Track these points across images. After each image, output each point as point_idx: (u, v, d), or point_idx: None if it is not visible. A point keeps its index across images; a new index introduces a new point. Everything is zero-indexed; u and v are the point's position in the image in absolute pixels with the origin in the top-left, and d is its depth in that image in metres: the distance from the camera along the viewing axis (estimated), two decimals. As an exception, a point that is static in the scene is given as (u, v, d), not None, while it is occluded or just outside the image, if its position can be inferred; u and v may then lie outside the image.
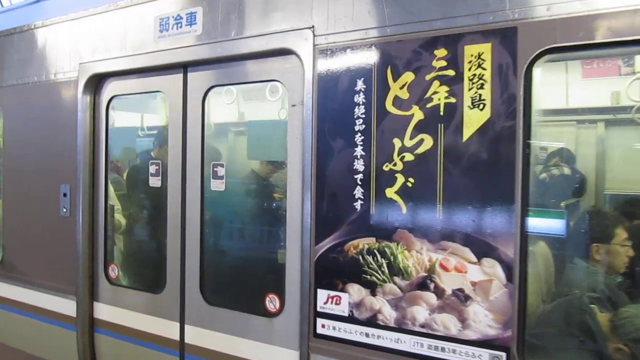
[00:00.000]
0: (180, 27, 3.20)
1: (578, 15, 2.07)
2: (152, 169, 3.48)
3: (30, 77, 4.01)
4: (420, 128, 2.40)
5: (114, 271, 3.66)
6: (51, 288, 3.86)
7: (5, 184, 4.29)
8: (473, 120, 2.27)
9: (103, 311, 3.65)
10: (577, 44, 2.08)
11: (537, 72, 2.19)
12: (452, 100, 2.32)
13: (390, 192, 2.47)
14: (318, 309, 2.68)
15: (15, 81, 4.12)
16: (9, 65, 4.18)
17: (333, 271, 2.62)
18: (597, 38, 2.04)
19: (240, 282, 3.36)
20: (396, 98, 2.46)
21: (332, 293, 2.64)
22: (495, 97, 2.22)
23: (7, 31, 4.17)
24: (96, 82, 3.66)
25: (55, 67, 3.86)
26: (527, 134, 2.17)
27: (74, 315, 3.70)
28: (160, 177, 3.44)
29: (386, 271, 2.48)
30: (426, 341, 2.39)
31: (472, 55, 2.28)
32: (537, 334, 2.32)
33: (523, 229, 2.18)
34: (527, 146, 2.18)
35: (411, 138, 2.42)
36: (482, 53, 2.25)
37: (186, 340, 3.25)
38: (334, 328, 2.63)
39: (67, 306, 3.75)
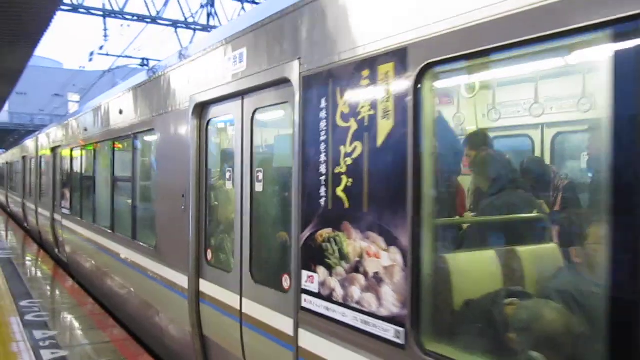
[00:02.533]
0: (236, 63, 4.11)
1: (447, 33, 2.36)
2: (227, 174, 4.46)
3: (168, 107, 5.38)
4: (355, 137, 2.87)
5: (209, 255, 4.72)
6: (178, 267, 5.10)
7: (158, 186, 5.78)
8: (384, 128, 2.68)
9: (203, 285, 4.74)
10: (446, 57, 2.37)
11: (427, 84, 2.51)
12: (372, 112, 2.75)
13: (339, 191, 2.98)
14: (302, 287, 3.29)
15: (160, 112, 5.56)
16: (157, 99, 5.65)
17: (310, 255, 3.21)
18: (464, 51, 2.31)
19: (270, 265, 4.10)
20: (342, 113, 2.97)
21: (309, 273, 3.23)
22: (396, 107, 2.60)
23: (149, 80, 5.83)
24: (200, 110, 4.79)
25: (179, 100, 5.13)
26: (417, 140, 2.51)
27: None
28: (231, 181, 4.38)
29: (337, 256, 2.99)
30: (359, 316, 2.83)
31: (382, 73, 2.69)
32: (433, 313, 2.58)
33: (414, 220, 2.51)
34: (417, 149, 2.51)
35: (350, 145, 2.90)
36: (388, 71, 2.65)
37: (243, 310, 4.11)
38: (310, 302, 3.22)
39: (184, 281, 4.93)
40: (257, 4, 17.78)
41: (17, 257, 12.11)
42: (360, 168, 2.83)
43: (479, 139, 3.94)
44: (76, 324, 6.85)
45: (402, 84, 2.56)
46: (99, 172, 8.95)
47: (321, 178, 3.12)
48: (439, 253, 2.59)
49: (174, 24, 18.21)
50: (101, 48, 18.49)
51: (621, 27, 1.72)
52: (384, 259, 2.67)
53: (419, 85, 2.49)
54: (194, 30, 18.46)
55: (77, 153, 10.36)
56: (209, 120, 4.77)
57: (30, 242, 15.43)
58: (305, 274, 3.27)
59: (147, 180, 6.62)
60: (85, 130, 9.53)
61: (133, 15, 17.83)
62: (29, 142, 18.08)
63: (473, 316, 2.75)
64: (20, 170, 19.52)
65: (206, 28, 18.18)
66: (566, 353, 2.14)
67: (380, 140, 2.70)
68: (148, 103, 6.16)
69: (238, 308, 4.18)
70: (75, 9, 16.80)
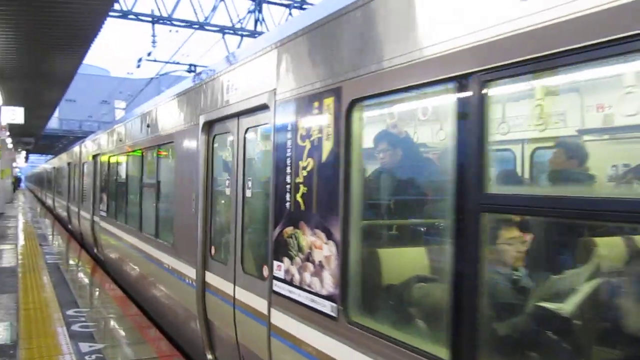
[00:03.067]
0: (233, 90, 4.94)
1: (372, 75, 3.10)
2: (226, 182, 5.29)
3: (183, 125, 6.26)
4: (309, 154, 3.63)
5: (213, 250, 5.54)
6: (189, 261, 5.94)
7: (175, 191, 6.70)
8: (326, 148, 3.43)
9: (208, 277, 5.56)
10: (364, 95, 3.12)
11: (355, 114, 3.25)
12: (319, 135, 3.51)
13: (298, 197, 3.74)
14: (273, 274, 4.06)
15: (178, 128, 6.45)
16: (176, 116, 6.56)
17: (279, 248, 3.98)
18: (381, 90, 3.05)
19: (255, 258, 4.88)
20: (300, 135, 3.73)
21: (278, 263, 3.99)
22: (335, 132, 3.35)
23: (168, 99, 6.89)
24: (207, 127, 5.63)
25: (192, 118, 5.99)
26: (348, 159, 3.25)
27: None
28: (229, 188, 5.20)
29: (296, 248, 3.74)
30: (309, 296, 3.58)
31: (326, 105, 3.44)
32: (357, 293, 3.30)
33: (345, 218, 3.25)
34: (347, 166, 3.25)
35: (305, 160, 3.66)
36: (329, 104, 3.40)
37: (236, 296, 4.91)
38: (279, 287, 3.98)
39: (193, 273, 5.75)
40: (303, 9, 18.28)
41: (64, 263, 12.72)
42: (311, 179, 3.59)
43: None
44: (122, 337, 6.86)
45: (338, 114, 3.31)
46: (130, 178, 10.13)
47: (287, 186, 3.89)
48: (363, 246, 3.31)
49: (222, 30, 18.71)
50: (149, 54, 19.11)
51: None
52: (325, 250, 3.42)
53: (348, 115, 3.24)
54: (241, 36, 18.81)
55: (113, 160, 11.74)
56: (215, 136, 5.62)
57: (75, 245, 16.48)
58: (275, 263, 4.04)
59: (167, 186, 7.55)
60: (120, 140, 10.77)
61: (181, 21, 18.52)
62: (74, 149, 19.43)
63: (388, 296, 3.47)
64: (66, 176, 21.03)
65: (253, 34, 18.55)
66: (442, 321, 2.83)
67: (324, 157, 3.46)
68: (169, 119, 7.16)
69: (232, 294, 4.98)
70: (124, 14, 17.57)
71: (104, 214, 12.15)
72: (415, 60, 2.74)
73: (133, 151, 9.54)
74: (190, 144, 6.16)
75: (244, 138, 4.92)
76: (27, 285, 9.68)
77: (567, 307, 2.45)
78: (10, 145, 32.70)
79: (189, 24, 18.11)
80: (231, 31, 18.64)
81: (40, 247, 14.90)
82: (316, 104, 3.56)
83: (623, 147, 2.87)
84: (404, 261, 3.49)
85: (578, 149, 2.96)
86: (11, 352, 6.08)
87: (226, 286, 5.13)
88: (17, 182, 57.24)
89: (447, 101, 2.69)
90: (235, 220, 4.98)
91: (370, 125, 3.45)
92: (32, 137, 37.93)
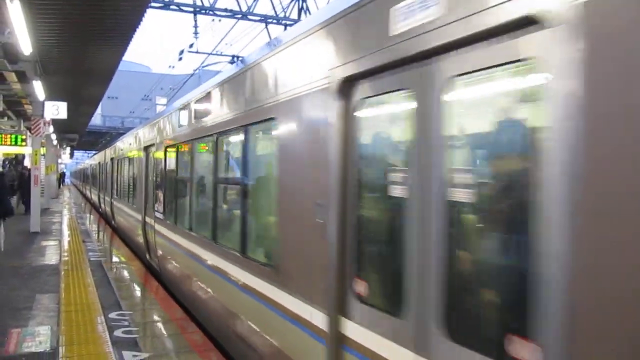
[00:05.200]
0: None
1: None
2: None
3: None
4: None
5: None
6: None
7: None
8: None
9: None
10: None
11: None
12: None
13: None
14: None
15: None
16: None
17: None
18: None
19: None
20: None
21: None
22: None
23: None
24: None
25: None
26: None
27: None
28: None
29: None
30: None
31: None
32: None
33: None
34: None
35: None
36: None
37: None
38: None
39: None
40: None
41: (107, 260, 12.30)
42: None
43: None
44: (169, 345, 6.26)
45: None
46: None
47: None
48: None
49: (265, 20, 18.20)
50: (191, 46, 18.60)
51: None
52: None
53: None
54: (285, 25, 18.19)
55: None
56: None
57: (118, 242, 16.30)
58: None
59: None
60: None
61: (223, 10, 17.99)
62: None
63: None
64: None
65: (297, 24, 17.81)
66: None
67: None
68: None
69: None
70: (166, 5, 17.28)
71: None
72: None
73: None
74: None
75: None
76: (69, 285, 9.36)
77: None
78: (55, 142, 33.24)
79: (232, 14, 17.65)
80: (274, 21, 18.08)
81: (83, 244, 14.74)
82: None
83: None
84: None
85: None
86: (50, 362, 5.68)
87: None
88: (61, 177, 58.53)
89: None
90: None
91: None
92: (76, 133, 38.61)
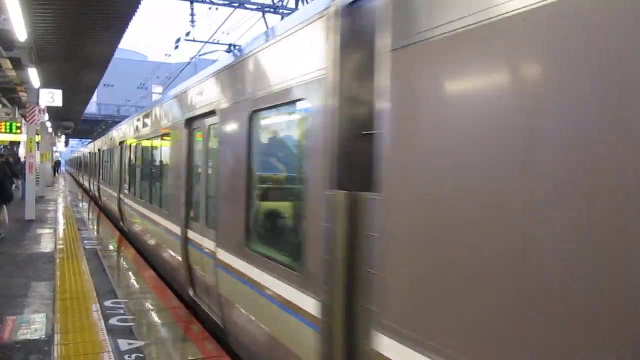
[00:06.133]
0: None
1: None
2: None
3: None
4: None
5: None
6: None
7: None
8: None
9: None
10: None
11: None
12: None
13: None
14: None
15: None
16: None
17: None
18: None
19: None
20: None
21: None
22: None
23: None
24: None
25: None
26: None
27: None
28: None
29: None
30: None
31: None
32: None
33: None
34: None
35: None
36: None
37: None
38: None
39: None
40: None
41: (103, 249, 12.26)
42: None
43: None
44: (164, 333, 6.27)
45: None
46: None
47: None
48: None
49: (262, 9, 18.05)
50: (188, 35, 18.50)
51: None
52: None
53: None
54: (282, 15, 18.09)
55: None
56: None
57: (114, 231, 16.29)
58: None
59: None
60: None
61: None
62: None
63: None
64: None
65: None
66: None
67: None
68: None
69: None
70: None
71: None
72: None
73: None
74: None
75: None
76: (65, 273, 9.35)
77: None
78: (50, 130, 33.08)
79: (229, 2, 17.49)
80: (272, 10, 17.91)
81: (79, 232, 14.72)
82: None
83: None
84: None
85: None
86: (46, 349, 5.66)
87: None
88: (57, 166, 58.32)
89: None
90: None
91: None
92: (72, 121, 38.38)
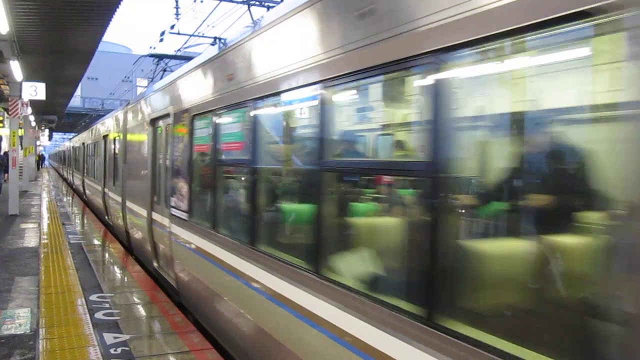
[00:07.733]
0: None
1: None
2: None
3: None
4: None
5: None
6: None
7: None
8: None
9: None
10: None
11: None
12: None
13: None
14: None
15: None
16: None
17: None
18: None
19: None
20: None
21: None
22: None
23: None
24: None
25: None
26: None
27: None
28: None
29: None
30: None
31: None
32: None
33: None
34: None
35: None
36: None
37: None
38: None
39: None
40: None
41: (88, 243, 12.28)
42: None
43: None
44: (150, 327, 6.34)
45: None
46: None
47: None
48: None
49: (247, 1, 17.87)
50: (172, 27, 18.22)
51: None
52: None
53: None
54: (267, 7, 17.98)
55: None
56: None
57: (99, 226, 16.16)
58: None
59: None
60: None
61: None
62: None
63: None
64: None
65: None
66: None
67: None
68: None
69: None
70: None
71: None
72: None
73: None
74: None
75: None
76: (49, 267, 9.28)
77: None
78: (33, 123, 32.68)
79: (214, -5, 17.27)
80: (257, 3, 17.75)
81: (63, 227, 14.59)
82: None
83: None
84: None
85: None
86: (30, 343, 5.63)
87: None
88: (41, 160, 57.67)
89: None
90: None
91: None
92: (55, 114, 37.93)
